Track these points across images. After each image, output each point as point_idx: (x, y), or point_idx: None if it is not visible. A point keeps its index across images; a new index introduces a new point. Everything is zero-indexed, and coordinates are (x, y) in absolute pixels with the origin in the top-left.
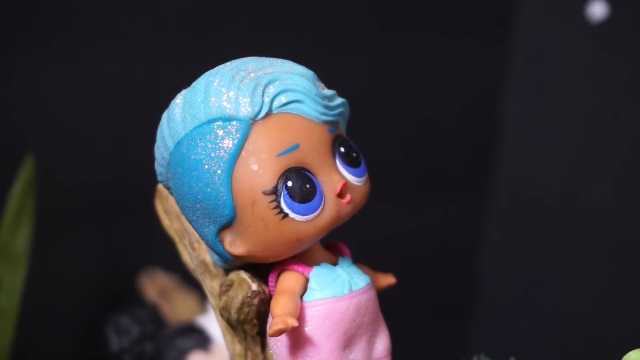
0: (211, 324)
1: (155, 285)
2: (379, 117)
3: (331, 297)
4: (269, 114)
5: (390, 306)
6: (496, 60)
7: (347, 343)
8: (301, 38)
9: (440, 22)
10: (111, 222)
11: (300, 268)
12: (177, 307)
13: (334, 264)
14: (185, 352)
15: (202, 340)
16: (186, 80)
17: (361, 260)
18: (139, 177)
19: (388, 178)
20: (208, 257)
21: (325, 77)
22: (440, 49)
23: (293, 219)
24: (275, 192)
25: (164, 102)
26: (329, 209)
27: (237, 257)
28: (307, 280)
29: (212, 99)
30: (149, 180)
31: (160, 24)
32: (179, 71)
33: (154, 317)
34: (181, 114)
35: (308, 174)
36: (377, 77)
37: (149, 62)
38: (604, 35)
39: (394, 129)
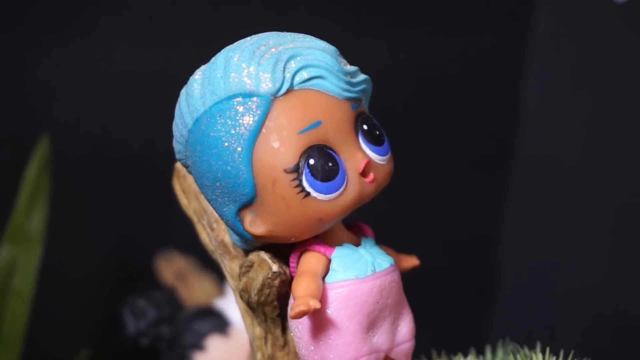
0: (229, 306)
1: (172, 268)
2: (397, 100)
3: (354, 278)
4: (290, 90)
5: (412, 291)
6: (516, 42)
7: (371, 325)
8: (322, 14)
9: (461, 4)
10: (127, 203)
11: (322, 248)
12: (194, 289)
13: (357, 244)
14: (202, 335)
15: (220, 323)
16: (205, 56)
17: (383, 242)
18: (156, 156)
19: (407, 163)
20: (227, 237)
21: (347, 53)
22: (460, 32)
23: (315, 198)
24: (297, 170)
25: (182, 80)
26: (352, 188)
27: (257, 237)
28: (329, 261)
29: (232, 74)
30: (167, 159)
31: (176, 5)
32: (197, 48)
33: (171, 299)
34: (200, 90)
35: (330, 151)
36: (396, 58)
37: (166, 39)
38: (626, 15)
39: (413, 114)
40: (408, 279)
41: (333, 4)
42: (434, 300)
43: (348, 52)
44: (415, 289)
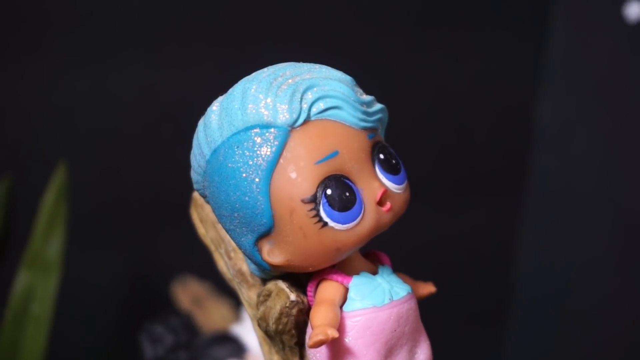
0: (245, 332)
1: (188, 294)
2: (413, 121)
3: (371, 306)
4: (307, 120)
5: (426, 311)
6: (531, 62)
7: (388, 353)
8: (337, 44)
9: (475, 24)
10: (144, 229)
11: (339, 277)
12: (211, 315)
13: (374, 273)
14: None
15: (237, 349)
16: (222, 86)
17: (397, 265)
18: (173, 184)
19: (423, 182)
20: (245, 266)
21: (363, 82)
22: (474, 51)
23: (332, 228)
24: (314, 200)
25: (201, 109)
26: (369, 217)
27: (275, 267)
28: (346, 289)
29: (250, 105)
30: (184, 187)
31: (194, 28)
32: (215, 78)
33: (188, 325)
34: (218, 121)
35: (347, 181)
36: (412, 81)
37: (182, 68)
38: (637, 33)
39: (429, 133)
40: (424, 305)
41: (349, 31)
42: (450, 326)
43: (363, 76)
44: (430, 309)
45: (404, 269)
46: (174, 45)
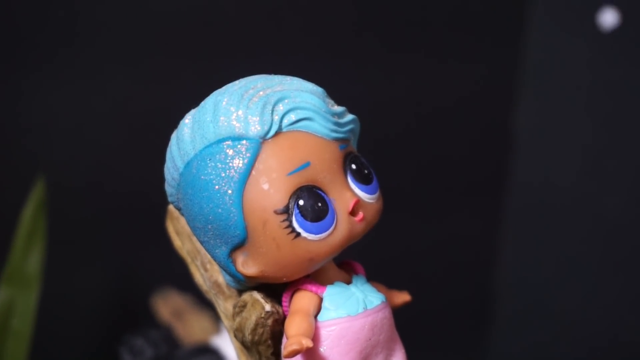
0: (225, 344)
1: (168, 306)
2: (389, 131)
3: (346, 316)
4: (278, 132)
5: (406, 317)
6: (509, 68)
7: None
8: (309, 55)
9: (452, 32)
10: (124, 243)
11: (313, 287)
12: (191, 327)
13: (348, 282)
14: None
15: None
16: (195, 99)
17: (377, 274)
18: (151, 195)
19: (401, 190)
20: (221, 278)
21: (339, 90)
22: (451, 61)
23: (305, 238)
24: (286, 211)
25: (174, 122)
26: (341, 227)
27: (249, 278)
28: (321, 299)
29: (221, 118)
30: (163, 200)
31: (169, 42)
32: (188, 90)
33: (168, 338)
34: (190, 134)
35: (320, 192)
36: (387, 89)
37: (158, 81)
38: (615, 43)
39: (406, 142)
40: (402, 312)
41: (321, 44)
42: (428, 330)
43: (338, 85)
44: (409, 320)
45: (384, 276)
46: (151, 58)
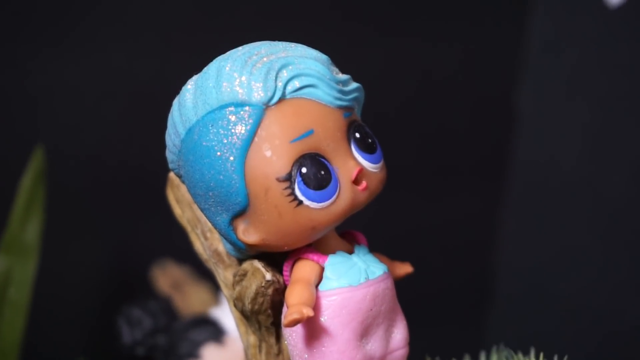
0: (224, 315)
1: (167, 277)
2: (393, 107)
3: (347, 286)
4: (282, 99)
5: (408, 297)
6: (512, 47)
7: (364, 333)
8: (315, 23)
9: (456, 10)
10: (123, 213)
11: (315, 256)
12: (190, 299)
13: (350, 252)
14: (198, 344)
15: (216, 332)
16: (197, 67)
17: (379, 250)
18: (151, 166)
19: (403, 169)
20: (221, 246)
21: (340, 62)
22: (455, 38)
23: (308, 206)
24: (289, 178)
25: (176, 90)
26: (344, 196)
27: (250, 246)
28: (322, 269)
29: (224, 84)
30: (162, 169)
31: (170, 13)
32: (190, 59)
33: (167, 309)
34: (192, 100)
35: (323, 160)
36: (391, 65)
37: (159, 52)
38: (620, 21)
39: (409, 119)
40: (404, 285)
41: (326, 12)
42: (429, 306)
43: (341, 58)
44: (410, 296)
45: (386, 252)
46: (152, 26)
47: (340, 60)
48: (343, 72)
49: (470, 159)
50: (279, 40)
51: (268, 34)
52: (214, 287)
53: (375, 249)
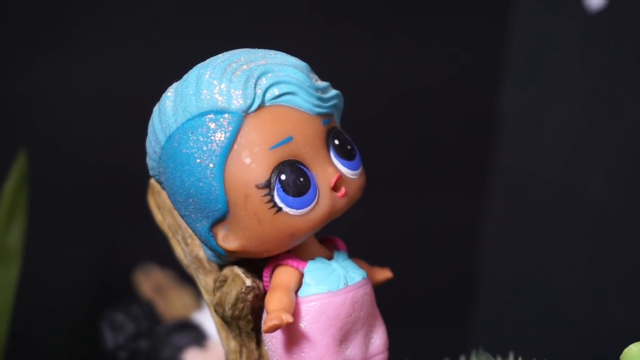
0: (207, 320)
1: (150, 282)
2: (373, 110)
3: (326, 291)
4: (261, 106)
5: (388, 301)
6: (494, 49)
7: (343, 338)
8: (298, 26)
9: (438, 12)
10: (106, 217)
11: (294, 263)
12: (173, 303)
13: (329, 258)
14: (180, 348)
15: (198, 336)
16: (180, 74)
17: (359, 254)
18: (133, 172)
19: (385, 173)
20: (202, 252)
21: (322, 70)
22: (437, 41)
23: (287, 213)
24: (268, 185)
25: (157, 97)
26: (323, 203)
27: (230, 252)
28: (302, 275)
29: (204, 91)
30: (146, 174)
31: (154, 18)
32: (173, 66)
33: (149, 313)
34: (172, 107)
35: (302, 167)
36: (372, 69)
37: (143, 56)
38: (601, 25)
39: (391, 123)
40: (385, 288)
41: (309, 16)
42: (411, 309)
43: (324, 61)
44: (391, 298)
45: (367, 256)
46: (134, 32)
47: (322, 64)
48: (326, 75)
49: (452, 162)
50: (262, 46)
51: (247, 41)
52: (197, 291)
53: (357, 252)
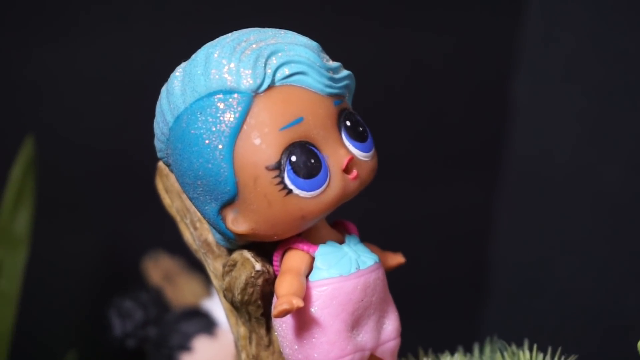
0: (216, 307)
1: (159, 269)
2: (388, 96)
3: (338, 276)
4: (271, 86)
5: (401, 289)
6: (507, 38)
7: (355, 324)
8: (307, 11)
9: (450, 0)
10: (114, 204)
11: (305, 246)
12: (182, 290)
13: (341, 242)
14: (189, 336)
15: (207, 324)
16: (189, 53)
17: (373, 240)
18: (142, 156)
19: (398, 159)
20: (210, 236)
21: (335, 50)
22: (450, 27)
23: (297, 195)
24: (278, 167)
25: (164, 80)
26: (334, 185)
27: (240, 236)
28: (312, 259)
29: (213, 71)
30: (153, 159)
31: (161, 4)
32: (180, 53)
33: (158, 301)
34: (181, 87)
35: (313, 148)
36: (386, 54)
37: (150, 43)
38: (615, 10)
39: (404, 109)
40: (397, 276)
41: (319, 1)
42: (423, 298)
43: (336, 47)
44: (404, 287)
45: (380, 243)
46: (141, 18)
47: (335, 49)
48: (337, 60)
49: (466, 150)
50: (270, 27)
51: (259, 22)
52: (206, 278)
53: (368, 239)
